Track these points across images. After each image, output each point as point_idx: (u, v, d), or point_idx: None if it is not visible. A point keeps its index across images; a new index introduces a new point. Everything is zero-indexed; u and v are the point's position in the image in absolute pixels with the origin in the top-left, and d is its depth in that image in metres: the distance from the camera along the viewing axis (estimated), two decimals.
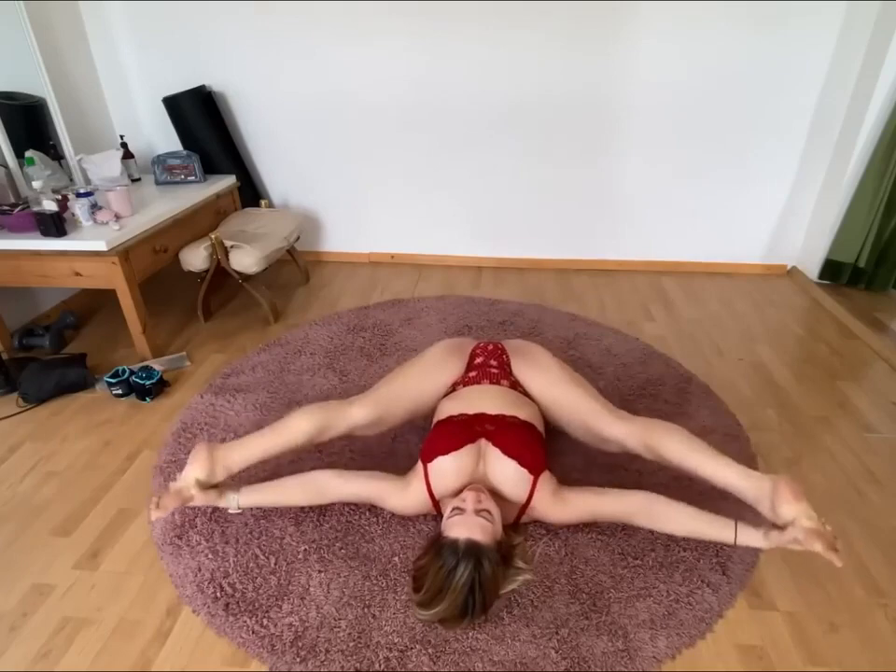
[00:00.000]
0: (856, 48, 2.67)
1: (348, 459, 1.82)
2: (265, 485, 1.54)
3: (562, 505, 1.45)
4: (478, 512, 1.31)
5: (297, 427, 1.54)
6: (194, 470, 1.48)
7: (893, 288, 2.94)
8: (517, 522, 1.52)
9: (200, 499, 1.48)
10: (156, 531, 1.59)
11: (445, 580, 1.22)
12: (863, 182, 2.75)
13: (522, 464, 1.42)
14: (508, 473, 1.43)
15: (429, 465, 1.45)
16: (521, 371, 1.70)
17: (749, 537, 1.35)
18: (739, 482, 1.39)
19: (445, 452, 1.44)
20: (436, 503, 1.48)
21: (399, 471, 1.56)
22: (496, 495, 1.42)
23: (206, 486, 1.49)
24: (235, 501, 1.51)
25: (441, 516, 1.43)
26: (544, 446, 1.54)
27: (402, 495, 1.49)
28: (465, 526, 1.28)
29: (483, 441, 1.47)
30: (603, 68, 2.85)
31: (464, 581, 1.21)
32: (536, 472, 1.43)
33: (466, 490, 1.38)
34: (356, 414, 1.58)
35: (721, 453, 1.44)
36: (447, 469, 1.44)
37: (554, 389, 1.65)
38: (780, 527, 1.31)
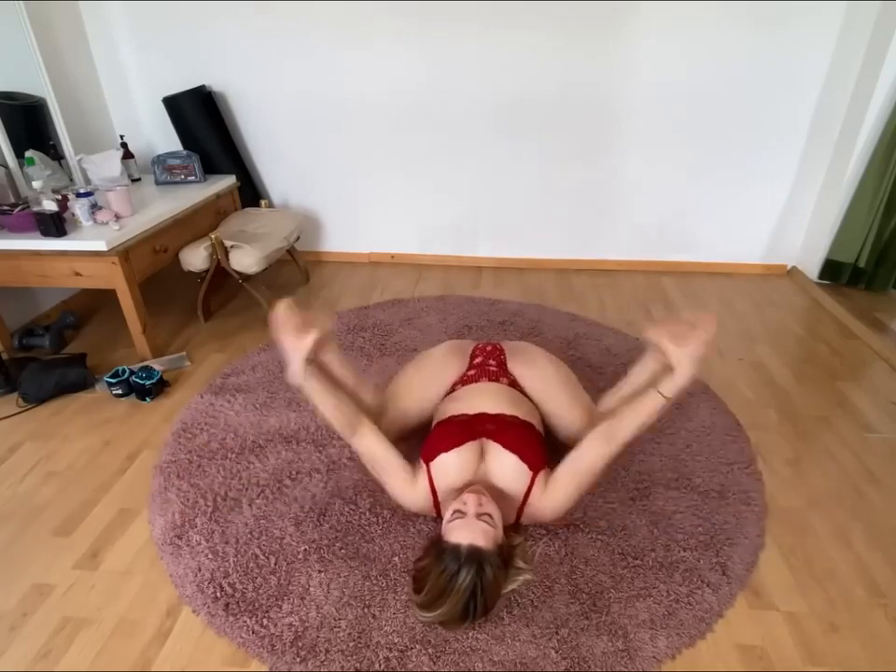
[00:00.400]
0: (856, 48, 2.67)
1: (348, 459, 1.82)
2: (328, 391, 1.50)
3: (550, 491, 1.44)
4: (479, 516, 1.30)
5: (366, 398, 1.69)
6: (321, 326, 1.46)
7: (893, 288, 2.93)
8: (517, 522, 1.51)
9: (306, 347, 1.42)
10: (156, 531, 1.59)
11: (447, 584, 1.22)
12: (863, 182, 2.75)
13: (522, 459, 1.42)
14: (508, 467, 1.43)
15: (432, 463, 1.46)
16: (517, 370, 1.73)
17: (668, 385, 1.38)
18: (647, 368, 1.63)
19: (447, 449, 1.44)
20: (437, 503, 1.49)
21: None
22: (496, 493, 1.42)
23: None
24: (310, 377, 1.46)
25: (441, 518, 1.43)
26: (544, 445, 1.55)
27: (411, 486, 1.49)
28: (467, 531, 1.27)
29: (484, 439, 1.47)
30: (603, 68, 2.85)
31: (466, 586, 1.21)
32: (535, 469, 1.43)
33: (466, 492, 1.37)
34: (367, 395, 1.71)
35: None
36: (450, 465, 1.44)
37: (543, 388, 1.71)
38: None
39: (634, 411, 1.43)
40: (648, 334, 1.46)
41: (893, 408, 2.12)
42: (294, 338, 1.43)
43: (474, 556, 1.23)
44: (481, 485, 1.42)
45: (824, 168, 2.95)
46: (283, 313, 1.45)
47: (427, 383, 1.76)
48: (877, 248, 2.84)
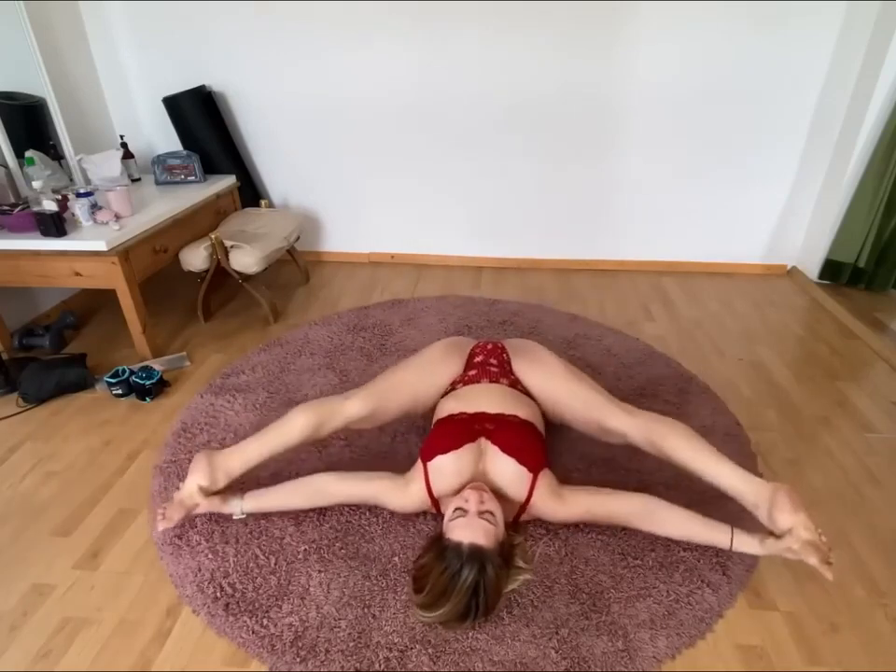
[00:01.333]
0: (856, 48, 2.67)
1: (348, 459, 1.82)
2: (267, 490, 1.55)
3: (561, 503, 1.45)
4: (481, 514, 1.30)
5: (294, 426, 1.54)
6: (196, 479, 1.49)
7: (893, 288, 2.94)
8: (517, 520, 1.51)
9: (204, 507, 1.50)
10: (156, 531, 1.59)
11: (448, 583, 1.22)
12: (863, 182, 2.75)
13: (521, 462, 1.42)
14: (507, 471, 1.43)
15: (429, 464, 1.45)
16: (521, 368, 1.70)
17: (745, 543, 1.36)
18: (739, 485, 1.39)
19: (445, 451, 1.44)
20: (435, 502, 1.48)
21: (399, 471, 1.55)
22: (496, 493, 1.42)
23: (209, 493, 1.50)
24: (239, 507, 1.52)
25: (441, 515, 1.43)
26: (544, 445, 1.54)
27: (402, 494, 1.49)
28: (469, 529, 1.27)
29: (482, 440, 1.47)
30: (603, 68, 2.85)
31: (468, 585, 1.21)
32: (535, 470, 1.43)
33: (468, 489, 1.37)
34: (350, 409, 1.57)
35: (723, 454, 1.44)
36: (447, 469, 1.43)
37: (555, 382, 1.65)
38: (777, 535, 1.31)
39: (694, 525, 1.41)
40: (774, 486, 1.35)
41: (893, 408, 2.12)
42: (189, 511, 1.50)
43: (476, 555, 1.23)
44: (482, 483, 1.42)
45: (824, 168, 2.95)
46: (165, 523, 1.47)
47: (422, 377, 1.70)
48: (877, 248, 2.84)
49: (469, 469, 1.44)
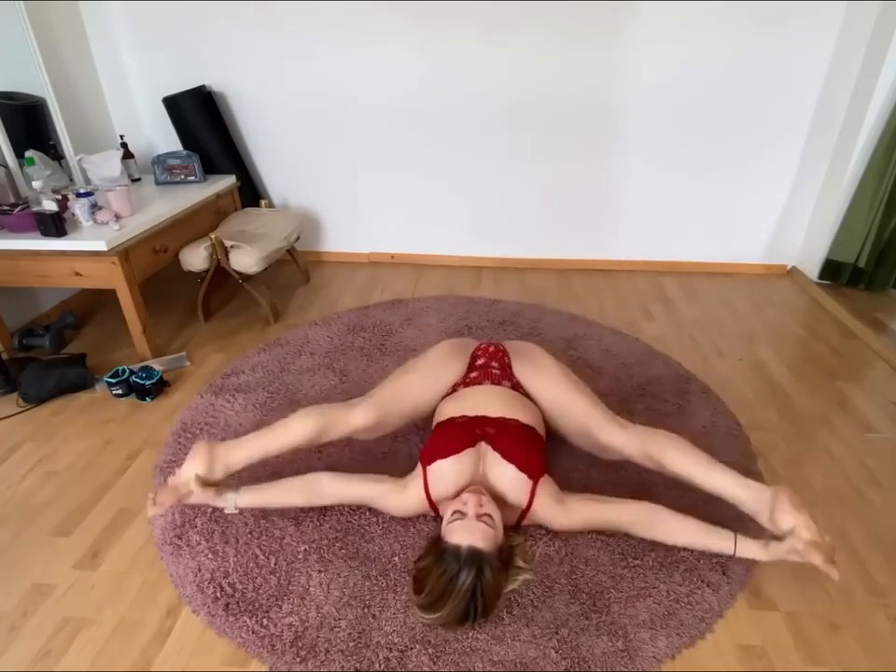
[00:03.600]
0: (856, 48, 2.67)
1: (348, 459, 1.82)
2: (263, 486, 1.53)
3: (564, 511, 1.44)
4: (479, 517, 1.30)
5: (296, 430, 1.53)
6: (194, 466, 1.47)
7: (893, 288, 2.93)
8: (518, 525, 1.51)
9: (198, 496, 1.47)
10: (156, 531, 1.59)
11: (447, 586, 1.22)
12: (863, 182, 2.75)
13: (521, 468, 1.41)
14: (507, 478, 1.42)
15: (429, 468, 1.45)
16: (522, 373, 1.69)
17: (749, 549, 1.36)
18: (738, 492, 1.39)
19: (445, 455, 1.43)
20: (434, 506, 1.48)
21: (399, 472, 1.55)
22: (496, 498, 1.42)
23: (205, 484, 1.48)
24: (233, 502, 1.49)
25: (440, 517, 1.43)
26: (545, 450, 1.54)
27: (400, 497, 1.49)
28: (467, 532, 1.27)
29: (482, 445, 1.46)
30: (603, 68, 2.85)
31: (466, 588, 1.21)
32: (535, 477, 1.42)
33: (466, 492, 1.37)
34: (356, 419, 1.56)
35: (719, 462, 1.45)
36: (446, 473, 1.43)
37: (555, 394, 1.64)
38: (779, 538, 1.32)
39: (696, 533, 1.41)
40: (777, 490, 1.35)
41: (893, 408, 2.12)
42: (181, 498, 1.46)
43: (474, 558, 1.23)
44: (481, 486, 1.42)
45: (824, 168, 2.95)
46: (155, 509, 1.44)
47: (421, 382, 1.70)
48: (877, 248, 2.84)
49: (469, 473, 1.43)
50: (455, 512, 1.33)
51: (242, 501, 1.51)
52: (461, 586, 1.21)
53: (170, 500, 1.43)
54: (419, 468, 1.48)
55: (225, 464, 1.51)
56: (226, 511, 1.53)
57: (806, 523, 1.28)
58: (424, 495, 1.46)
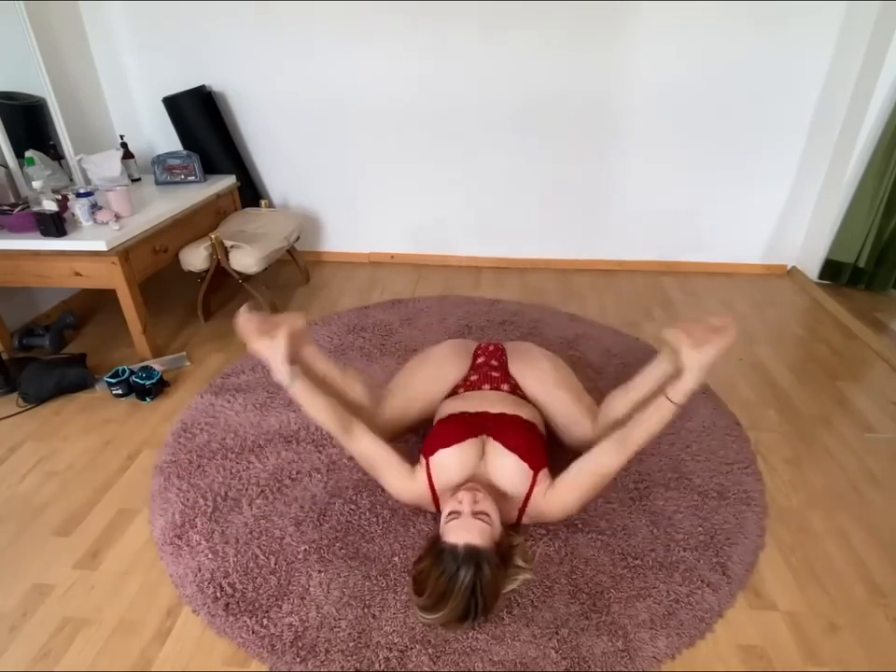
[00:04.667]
0: (856, 48, 2.67)
1: (348, 458, 1.82)
2: (317, 392, 1.50)
3: (553, 494, 1.44)
4: (475, 515, 1.30)
5: (355, 389, 1.69)
6: (291, 322, 1.50)
7: (893, 288, 2.93)
8: (518, 522, 1.51)
9: (280, 346, 1.44)
10: (156, 531, 1.59)
11: (447, 585, 1.22)
12: (863, 182, 2.75)
13: (523, 458, 1.42)
14: (509, 467, 1.43)
15: (431, 458, 1.46)
16: (517, 371, 1.72)
17: (678, 388, 1.40)
18: (657, 372, 1.58)
19: (447, 444, 1.45)
20: (436, 497, 1.49)
21: None
22: (496, 492, 1.43)
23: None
24: (295, 377, 1.46)
25: (440, 513, 1.43)
26: (545, 445, 1.55)
27: (407, 480, 1.49)
28: (464, 531, 1.27)
29: (485, 437, 1.48)
30: (603, 68, 2.85)
31: (465, 586, 1.21)
32: (536, 468, 1.43)
33: (462, 490, 1.37)
34: (380, 419, 1.69)
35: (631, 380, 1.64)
36: (449, 462, 1.44)
37: (541, 389, 1.70)
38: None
39: (647, 418, 1.43)
40: (665, 333, 1.46)
41: (893, 408, 2.12)
42: (265, 340, 1.45)
43: (472, 556, 1.23)
44: (480, 483, 1.42)
45: (824, 168, 2.95)
46: (243, 319, 1.48)
47: (429, 382, 1.75)
48: (877, 248, 2.84)
49: (472, 462, 1.44)
50: (451, 513, 1.33)
51: (301, 385, 1.47)
52: (460, 584, 1.21)
53: (284, 330, 1.45)
54: (422, 461, 1.49)
55: (300, 348, 1.58)
56: (283, 384, 1.48)
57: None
58: (427, 484, 1.47)
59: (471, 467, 1.44)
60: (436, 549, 1.29)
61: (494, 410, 1.55)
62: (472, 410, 1.56)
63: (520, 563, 1.34)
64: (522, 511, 1.48)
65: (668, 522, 1.59)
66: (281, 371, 1.46)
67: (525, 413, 1.57)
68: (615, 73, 2.86)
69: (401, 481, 1.50)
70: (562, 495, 1.44)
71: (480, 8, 2.75)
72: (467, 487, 1.39)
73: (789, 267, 3.29)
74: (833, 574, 1.47)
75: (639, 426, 1.43)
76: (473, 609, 1.23)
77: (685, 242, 3.26)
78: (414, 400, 1.74)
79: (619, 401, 1.63)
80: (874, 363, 2.42)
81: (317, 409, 1.50)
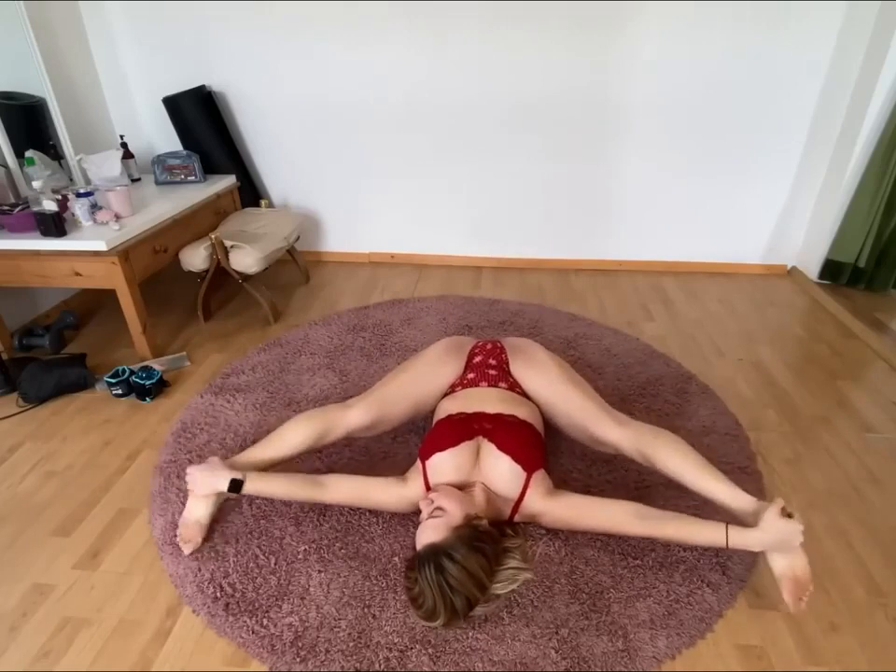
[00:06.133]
0: (856, 48, 2.67)
1: (347, 459, 1.82)
2: (270, 475, 1.52)
3: (553, 505, 1.44)
4: (430, 515, 1.33)
5: (295, 437, 1.56)
6: (205, 486, 1.51)
7: (893, 288, 2.93)
8: (511, 520, 1.51)
9: (205, 486, 1.50)
10: (156, 531, 1.59)
11: (429, 590, 1.23)
12: (863, 182, 2.75)
13: (516, 460, 1.42)
14: (502, 469, 1.43)
15: (427, 462, 1.46)
16: (519, 370, 1.70)
17: (741, 537, 1.32)
18: (726, 499, 1.39)
19: (443, 448, 1.45)
20: None
21: (398, 472, 1.56)
22: (490, 493, 1.44)
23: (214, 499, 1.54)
24: (238, 477, 1.46)
25: None
26: (542, 446, 1.54)
27: (402, 489, 1.49)
28: (422, 535, 1.31)
29: (480, 438, 1.48)
30: (603, 68, 2.85)
31: (435, 582, 1.22)
32: (530, 470, 1.43)
33: (421, 501, 1.40)
34: (353, 419, 1.59)
35: (714, 468, 1.43)
36: (445, 466, 1.44)
37: (551, 388, 1.65)
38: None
39: (686, 525, 1.37)
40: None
41: (893, 408, 2.12)
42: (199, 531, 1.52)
43: (428, 554, 1.26)
44: (476, 484, 1.44)
45: (824, 168, 2.95)
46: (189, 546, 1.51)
47: (422, 381, 1.71)
48: (877, 248, 2.84)
49: (467, 465, 1.45)
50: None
51: (250, 487, 1.48)
52: (434, 583, 1.22)
53: (196, 534, 1.51)
54: (418, 464, 1.49)
55: (230, 467, 1.51)
56: (226, 491, 1.47)
57: (797, 528, 1.27)
58: (424, 489, 1.47)
59: (467, 469, 1.44)
60: (411, 562, 1.33)
61: (490, 409, 1.55)
62: (469, 410, 1.56)
63: (520, 563, 1.34)
64: (515, 510, 1.48)
65: None
66: (223, 482, 1.47)
67: (522, 411, 1.56)
68: (615, 73, 2.86)
69: (393, 493, 1.50)
70: (561, 513, 1.46)
71: (480, 9, 2.75)
72: (423, 496, 1.41)
73: (789, 267, 3.29)
74: (832, 574, 1.47)
75: (673, 524, 1.38)
76: (459, 602, 1.23)
77: (685, 242, 3.26)
78: (407, 407, 1.68)
79: (667, 455, 1.46)
80: (874, 363, 2.42)
81: (279, 488, 1.52)
